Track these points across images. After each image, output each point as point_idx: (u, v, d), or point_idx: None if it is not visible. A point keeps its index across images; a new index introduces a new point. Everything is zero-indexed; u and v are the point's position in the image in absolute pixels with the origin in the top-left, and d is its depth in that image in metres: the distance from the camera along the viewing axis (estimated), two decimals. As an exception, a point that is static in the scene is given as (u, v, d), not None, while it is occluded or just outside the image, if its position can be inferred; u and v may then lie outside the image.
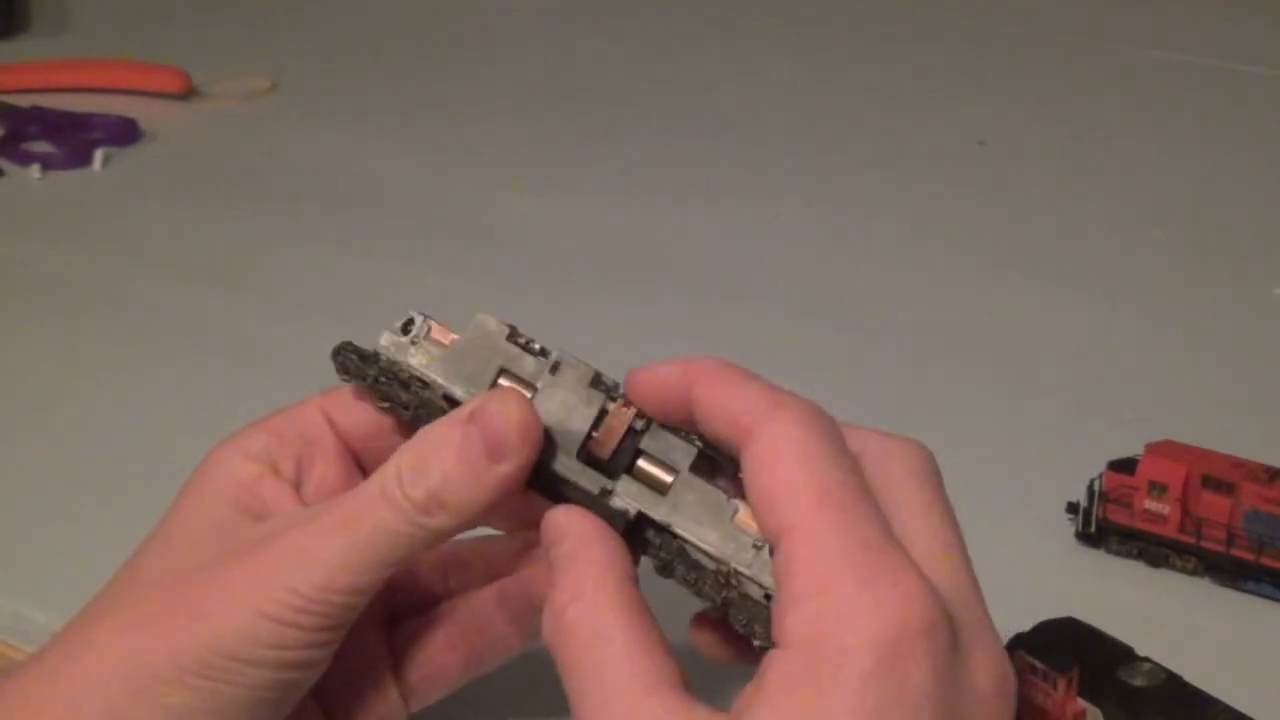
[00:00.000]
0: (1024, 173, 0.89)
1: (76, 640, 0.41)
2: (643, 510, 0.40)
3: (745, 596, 0.38)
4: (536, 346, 0.42)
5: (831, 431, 0.37)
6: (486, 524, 0.45)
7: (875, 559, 0.35)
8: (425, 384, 0.43)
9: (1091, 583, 0.54)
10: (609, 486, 0.41)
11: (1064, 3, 1.14)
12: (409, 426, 0.43)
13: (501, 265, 0.78)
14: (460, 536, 0.42)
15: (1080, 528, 0.56)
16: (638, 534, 0.40)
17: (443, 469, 0.40)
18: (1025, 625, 0.46)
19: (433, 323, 0.43)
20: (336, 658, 0.41)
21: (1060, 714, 0.44)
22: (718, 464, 0.40)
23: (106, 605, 0.41)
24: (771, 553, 0.37)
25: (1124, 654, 0.44)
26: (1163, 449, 0.54)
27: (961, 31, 1.11)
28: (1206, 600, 0.54)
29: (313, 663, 0.40)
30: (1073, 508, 0.56)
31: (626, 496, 0.40)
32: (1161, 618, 0.53)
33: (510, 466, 0.40)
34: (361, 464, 0.45)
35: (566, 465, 0.41)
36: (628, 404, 0.41)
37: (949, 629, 0.35)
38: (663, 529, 0.40)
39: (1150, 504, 0.54)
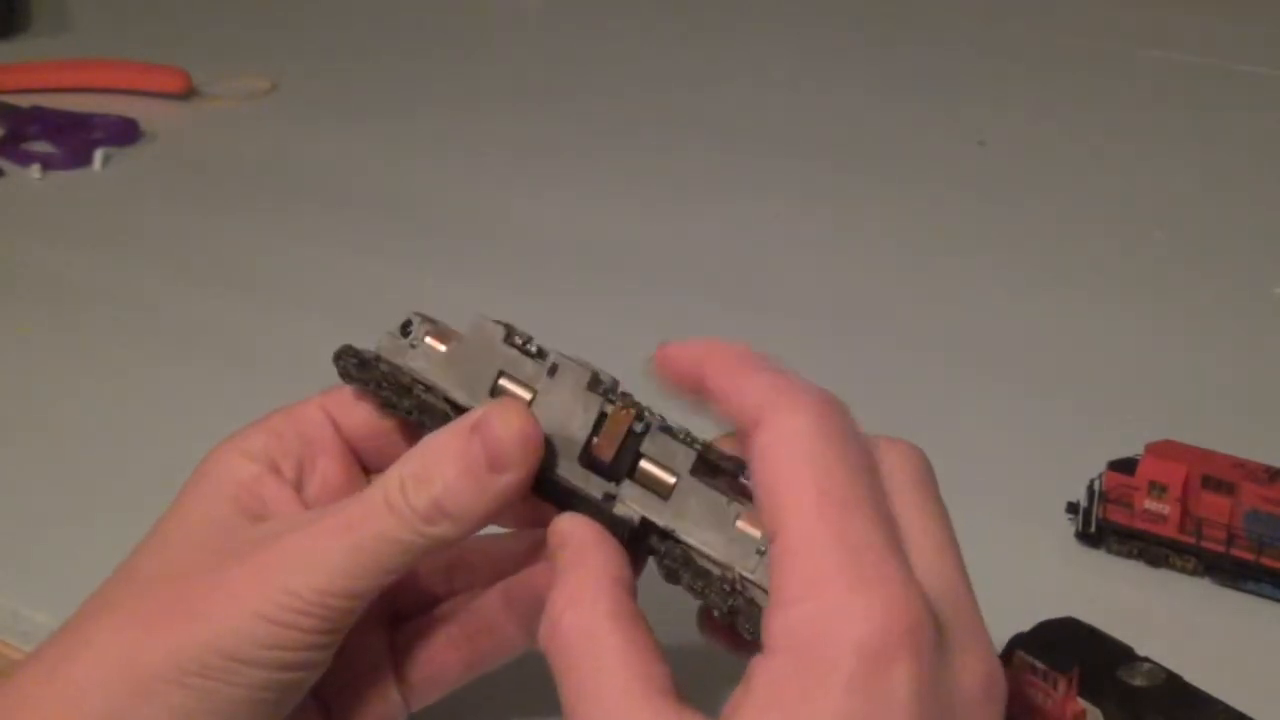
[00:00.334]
0: (1024, 173, 0.89)
1: (74, 639, 0.41)
2: (646, 516, 0.40)
3: (751, 603, 0.38)
4: (533, 348, 0.42)
5: (842, 426, 0.37)
6: (492, 523, 0.45)
7: (866, 562, 0.35)
8: (427, 388, 0.43)
9: (1091, 583, 0.54)
10: (612, 491, 0.41)
11: (1064, 3, 1.14)
12: (411, 427, 0.43)
13: (501, 265, 0.78)
14: None
15: (1080, 528, 0.56)
16: (642, 539, 0.40)
17: (445, 478, 0.40)
18: (1025, 625, 0.46)
19: (430, 324, 0.43)
20: (337, 657, 0.41)
21: (1060, 714, 0.44)
22: (717, 466, 0.40)
23: (104, 604, 0.41)
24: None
25: (1124, 654, 0.44)
26: (1163, 449, 0.54)
27: (961, 31, 1.11)
28: (1206, 600, 0.54)
29: (312, 664, 0.40)
30: (1073, 508, 0.56)
31: (630, 501, 0.40)
32: (1161, 618, 0.53)
33: (512, 477, 0.40)
34: (364, 462, 0.45)
35: (569, 471, 0.41)
36: (626, 406, 0.41)
37: (935, 633, 0.35)
38: (667, 535, 0.40)
39: (1150, 504, 0.54)
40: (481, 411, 0.40)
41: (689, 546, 0.40)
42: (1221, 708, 0.43)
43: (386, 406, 0.43)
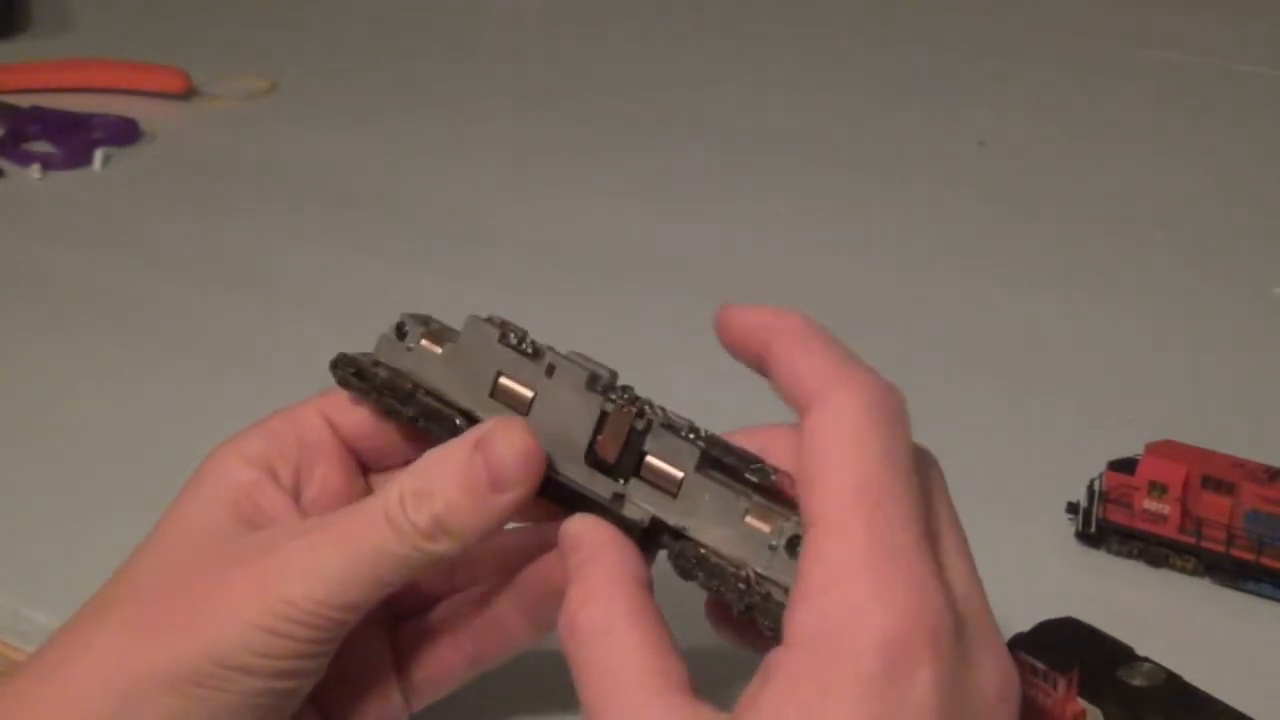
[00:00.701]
0: (1024, 173, 0.89)
1: (73, 642, 0.41)
2: (657, 515, 0.40)
3: (768, 598, 0.38)
4: (529, 347, 0.42)
5: (893, 417, 0.37)
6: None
7: (897, 561, 0.35)
8: (428, 392, 0.43)
9: (1091, 583, 0.54)
10: (620, 491, 0.41)
11: (1064, 3, 1.14)
12: (410, 428, 0.43)
13: (502, 265, 0.78)
14: None
15: (1080, 528, 0.56)
16: (653, 537, 0.40)
17: (447, 496, 0.40)
18: (1025, 625, 0.46)
19: (424, 325, 0.43)
20: (336, 661, 0.41)
21: (1060, 714, 0.44)
22: (721, 461, 0.40)
23: (103, 607, 0.41)
24: (790, 546, 0.38)
25: (1124, 654, 0.44)
26: (1163, 449, 0.54)
27: (961, 31, 1.11)
28: (1206, 600, 0.53)
29: (307, 671, 0.40)
30: (1073, 508, 0.56)
31: (639, 501, 0.40)
32: (1161, 618, 0.52)
33: (513, 496, 0.40)
34: (363, 461, 0.45)
35: (575, 472, 0.41)
36: (626, 405, 0.41)
37: (956, 636, 0.35)
38: (678, 534, 0.40)
39: (1150, 504, 0.54)
40: (484, 429, 0.40)
41: (700, 544, 0.40)
42: (1221, 708, 0.43)
43: (389, 414, 0.43)
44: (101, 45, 1.03)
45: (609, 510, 0.40)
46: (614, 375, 0.41)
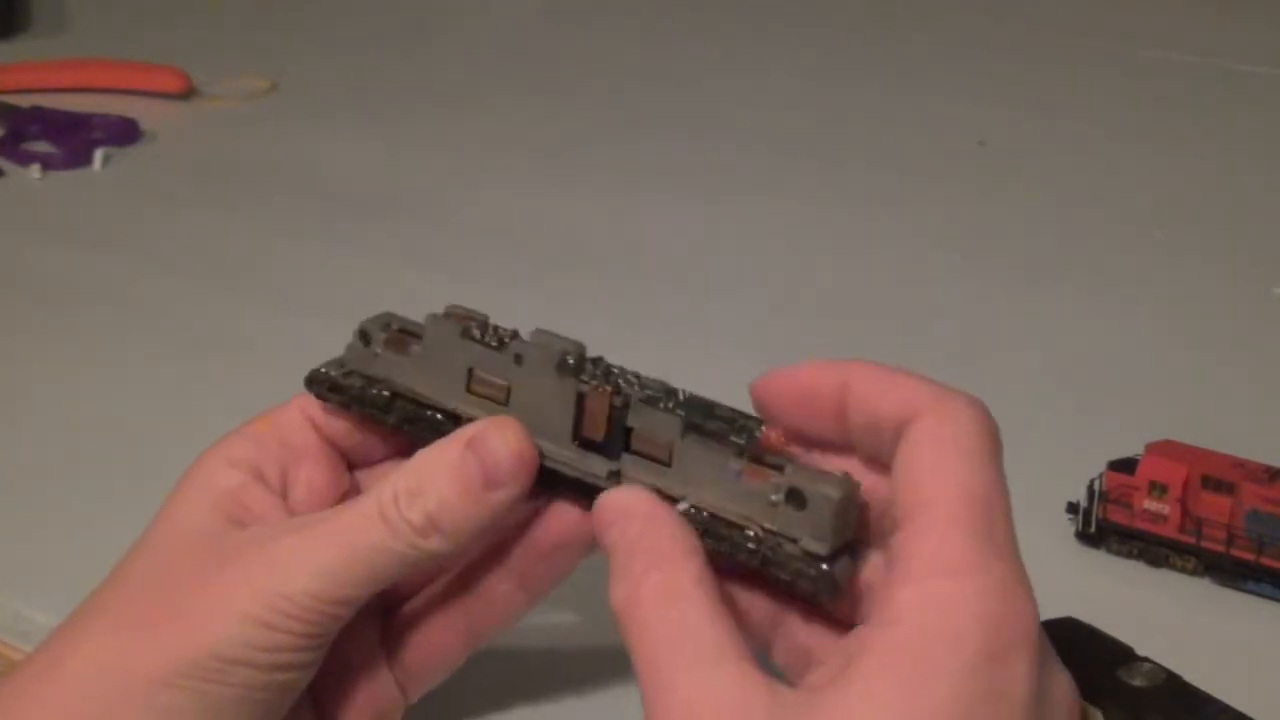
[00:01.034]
0: (1024, 173, 0.89)
1: (67, 642, 0.41)
2: (658, 486, 0.40)
3: (778, 550, 0.39)
4: (492, 340, 0.42)
5: (995, 435, 0.38)
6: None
7: (1000, 558, 0.36)
8: (405, 396, 0.43)
9: (1091, 583, 0.54)
10: (615, 468, 0.41)
11: (1064, 3, 1.14)
12: (394, 431, 0.43)
13: (502, 264, 0.78)
14: None
15: (1080, 528, 0.56)
16: None
17: (440, 494, 0.40)
18: (1025, 625, 0.46)
19: (384, 330, 0.44)
20: (329, 654, 0.41)
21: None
22: (702, 426, 0.40)
23: (97, 607, 0.42)
24: (789, 499, 0.38)
25: (1124, 654, 0.44)
26: (1163, 449, 0.54)
27: (961, 31, 1.11)
28: (1206, 600, 0.54)
29: (303, 664, 0.41)
30: (1073, 508, 0.56)
31: (635, 474, 0.41)
32: (1161, 618, 0.52)
33: (506, 494, 0.40)
34: (348, 459, 0.45)
35: (568, 457, 0.41)
36: (600, 385, 0.41)
37: (1044, 642, 0.36)
38: (680, 501, 0.40)
39: (1150, 504, 0.54)
40: (476, 428, 0.41)
41: (704, 509, 0.40)
42: (1221, 708, 0.43)
43: (372, 421, 0.44)
44: (101, 45, 1.03)
45: (607, 488, 0.41)
46: (580, 349, 0.41)
